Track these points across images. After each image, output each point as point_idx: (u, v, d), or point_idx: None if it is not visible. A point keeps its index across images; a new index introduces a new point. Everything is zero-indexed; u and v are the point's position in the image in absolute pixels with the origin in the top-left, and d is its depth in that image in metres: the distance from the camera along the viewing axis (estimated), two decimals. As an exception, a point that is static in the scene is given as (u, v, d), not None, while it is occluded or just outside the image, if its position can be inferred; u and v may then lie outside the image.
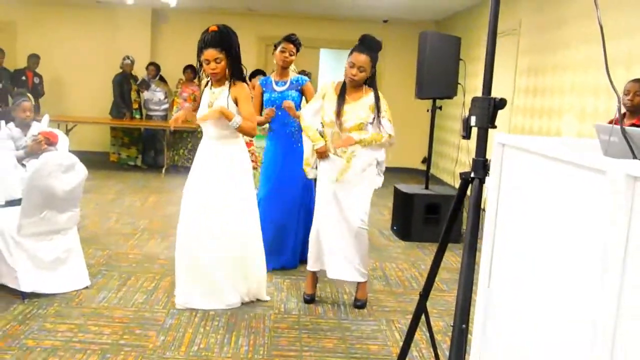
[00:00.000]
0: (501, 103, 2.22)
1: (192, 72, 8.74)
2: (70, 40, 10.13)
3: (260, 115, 4.54)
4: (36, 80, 9.20)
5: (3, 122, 5.09)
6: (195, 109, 3.88)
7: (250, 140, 4.95)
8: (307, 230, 4.28)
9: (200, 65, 3.69)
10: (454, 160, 8.20)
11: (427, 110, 6.21)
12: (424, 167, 9.99)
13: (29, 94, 5.19)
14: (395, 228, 6.19)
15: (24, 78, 9.04)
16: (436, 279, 4.60)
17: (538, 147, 1.60)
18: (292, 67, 4.67)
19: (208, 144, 3.78)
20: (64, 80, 10.21)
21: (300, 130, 4.54)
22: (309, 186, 4.57)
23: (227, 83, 3.71)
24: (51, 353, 3.04)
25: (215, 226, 3.68)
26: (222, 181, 3.70)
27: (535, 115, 6.47)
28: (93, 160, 9.21)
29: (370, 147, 3.73)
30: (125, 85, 9.19)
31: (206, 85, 3.82)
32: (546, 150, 1.54)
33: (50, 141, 4.81)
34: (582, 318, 1.28)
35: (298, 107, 4.47)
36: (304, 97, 4.55)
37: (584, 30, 5.37)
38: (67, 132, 8.77)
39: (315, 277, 4.01)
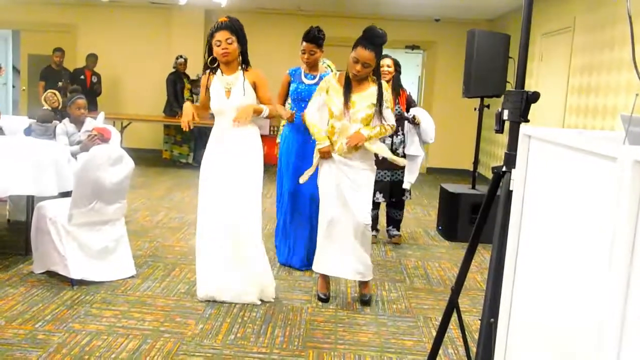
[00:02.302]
0: (534, 97, 2.20)
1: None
2: (126, 40, 10.48)
3: (283, 104, 4.56)
4: (94, 79, 9.54)
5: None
6: (204, 105, 3.87)
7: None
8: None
9: (210, 58, 3.68)
10: (502, 160, 8.05)
11: (475, 109, 6.13)
12: (475, 168, 9.90)
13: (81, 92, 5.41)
14: (440, 228, 6.13)
15: (82, 77, 9.39)
16: (479, 278, 4.57)
17: (559, 138, 1.58)
18: (325, 62, 4.63)
19: (230, 135, 3.69)
20: (120, 79, 10.56)
21: None
22: None
23: (239, 69, 3.72)
24: (95, 336, 3.18)
25: (230, 221, 3.68)
26: (242, 170, 3.70)
27: (589, 114, 6.30)
28: (146, 158, 9.53)
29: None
30: (178, 84, 9.41)
31: (207, 75, 3.75)
32: (566, 141, 1.52)
33: (103, 137, 5.01)
34: (600, 308, 1.26)
35: None
36: None
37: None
38: (122, 129, 9.07)
39: (327, 276, 3.95)
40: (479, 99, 6.05)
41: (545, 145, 1.71)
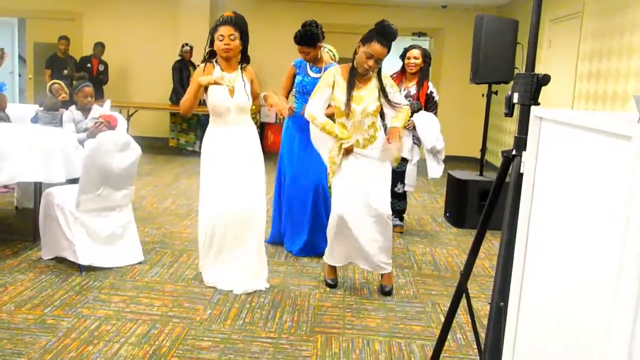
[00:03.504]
0: (545, 79, 2.17)
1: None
2: (132, 28, 10.45)
3: (287, 95, 4.55)
4: (101, 67, 9.52)
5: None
6: (196, 96, 3.77)
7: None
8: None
9: (211, 52, 3.67)
10: (511, 147, 8.01)
11: (483, 95, 6.09)
12: (482, 156, 9.85)
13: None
14: (448, 215, 6.12)
15: (89, 65, 9.37)
16: (487, 265, 4.56)
17: (572, 119, 1.57)
18: (327, 47, 4.58)
19: (231, 131, 3.69)
20: (127, 67, 10.54)
21: None
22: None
23: (238, 67, 3.72)
24: (104, 321, 3.19)
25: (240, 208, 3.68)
26: (246, 165, 3.71)
27: (598, 101, 6.25)
28: (153, 145, 9.53)
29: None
30: (184, 72, 9.39)
31: (204, 68, 3.71)
32: (579, 121, 1.50)
33: (110, 124, 5.01)
34: (613, 291, 1.25)
35: None
36: None
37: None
38: (128, 117, 9.07)
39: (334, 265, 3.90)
40: (486, 86, 6.02)
41: (557, 126, 1.69)
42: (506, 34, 5.84)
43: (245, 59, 3.75)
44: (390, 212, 3.69)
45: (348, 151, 3.64)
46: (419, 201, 6.92)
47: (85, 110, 5.17)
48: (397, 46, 5.25)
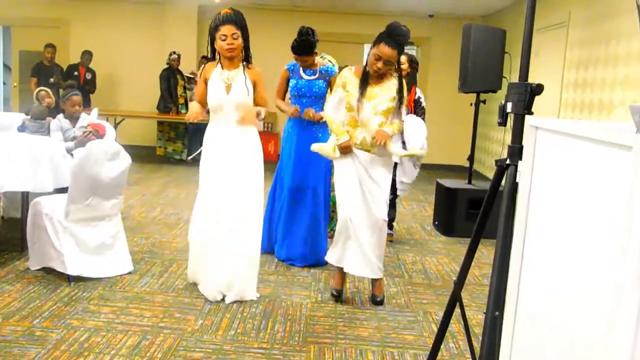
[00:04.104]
0: (538, 89, 2.18)
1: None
2: (120, 36, 10.42)
3: (283, 99, 4.52)
4: (88, 75, 9.46)
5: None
6: (202, 101, 3.73)
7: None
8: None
9: (213, 51, 3.63)
10: (499, 156, 8.07)
11: (471, 104, 6.13)
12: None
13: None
14: (437, 223, 6.14)
15: (76, 73, 9.31)
16: (478, 273, 4.57)
17: (569, 128, 1.57)
18: (326, 57, 4.58)
19: (229, 132, 3.63)
20: (114, 75, 10.49)
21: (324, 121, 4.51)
22: (325, 176, 4.49)
23: (240, 65, 3.64)
24: (94, 333, 3.15)
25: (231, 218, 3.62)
26: (244, 167, 3.64)
27: (585, 109, 6.31)
28: (140, 154, 9.46)
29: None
30: (171, 80, 9.37)
31: (204, 67, 3.70)
32: (577, 130, 1.51)
33: (98, 133, 4.97)
34: (613, 302, 1.25)
35: (323, 96, 4.41)
36: (329, 88, 4.44)
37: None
38: (116, 126, 9.00)
39: (343, 271, 3.84)
40: (474, 95, 6.05)
41: (554, 136, 1.70)
42: (494, 43, 5.89)
43: (247, 57, 3.67)
44: (387, 218, 3.68)
45: (343, 148, 3.60)
46: (408, 209, 6.93)
47: (73, 118, 5.13)
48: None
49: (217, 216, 3.62)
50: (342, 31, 9.97)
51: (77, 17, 10.43)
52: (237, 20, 3.54)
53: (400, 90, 3.63)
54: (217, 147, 3.65)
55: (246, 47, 3.64)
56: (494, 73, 5.85)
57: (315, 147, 3.72)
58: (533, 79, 6.90)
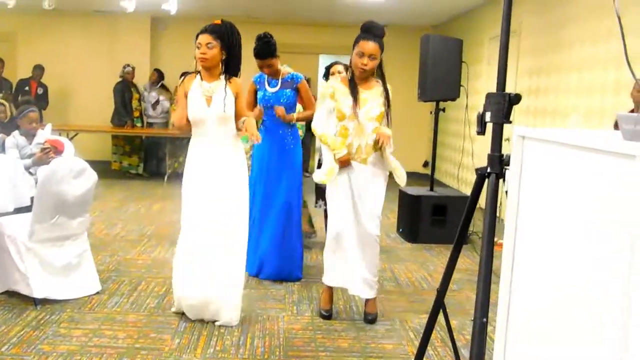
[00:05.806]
0: (516, 98, 2.24)
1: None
2: (70, 49, 10.16)
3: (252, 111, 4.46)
4: (40, 90, 9.21)
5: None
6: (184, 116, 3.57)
7: None
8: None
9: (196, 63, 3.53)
10: (457, 163, 8.22)
11: (430, 113, 6.24)
12: (425, 171, 10.04)
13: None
14: (401, 230, 6.20)
15: (27, 88, 9.05)
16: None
17: (561, 137, 1.61)
18: (286, 68, 4.55)
19: (211, 147, 3.53)
20: (65, 89, 10.22)
21: (294, 132, 4.46)
22: (298, 189, 4.47)
23: (221, 77, 3.54)
24: (68, 357, 3.05)
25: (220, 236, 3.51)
26: (229, 185, 3.53)
27: (538, 116, 6.51)
28: (95, 169, 9.11)
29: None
30: (126, 94, 9.21)
31: (183, 81, 3.60)
32: (570, 140, 1.55)
33: (57, 149, 4.83)
34: (609, 310, 1.28)
35: (293, 106, 4.39)
36: (298, 96, 4.42)
37: (591, 28, 5.39)
38: (70, 140, 8.77)
39: (332, 290, 3.79)
40: (432, 103, 6.16)
41: (542, 144, 1.74)
42: (451, 52, 6.02)
43: (229, 70, 3.55)
44: (379, 233, 3.63)
45: (343, 162, 3.52)
46: (371, 218, 6.97)
47: (30, 135, 4.97)
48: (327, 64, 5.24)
49: (201, 237, 3.51)
50: (298, 42, 10.00)
51: (25, 30, 10.12)
52: (217, 30, 3.44)
53: (387, 96, 3.61)
54: (200, 165, 3.53)
55: (232, 60, 3.52)
56: (453, 82, 5.98)
57: (318, 179, 3.64)
58: (487, 85, 7.11)
